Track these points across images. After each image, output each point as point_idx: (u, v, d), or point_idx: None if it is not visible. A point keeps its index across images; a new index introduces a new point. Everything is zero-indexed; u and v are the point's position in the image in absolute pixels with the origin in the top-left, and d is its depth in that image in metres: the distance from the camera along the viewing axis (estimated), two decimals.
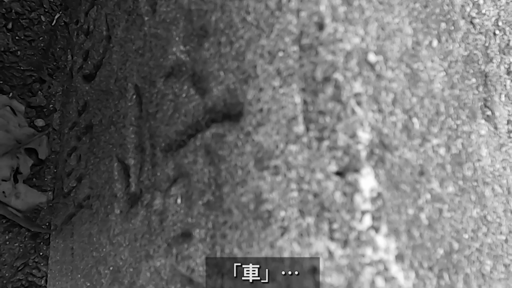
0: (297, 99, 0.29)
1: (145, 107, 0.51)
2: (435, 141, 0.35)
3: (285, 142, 0.29)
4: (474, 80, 0.46)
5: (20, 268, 0.84)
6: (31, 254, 0.85)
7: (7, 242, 0.83)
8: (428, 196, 0.33)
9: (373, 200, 0.27)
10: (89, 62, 0.73)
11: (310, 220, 0.28)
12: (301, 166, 0.28)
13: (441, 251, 0.33)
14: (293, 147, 0.29)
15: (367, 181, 0.27)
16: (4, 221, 0.82)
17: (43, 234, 0.86)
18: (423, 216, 0.31)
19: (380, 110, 0.29)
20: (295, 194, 0.28)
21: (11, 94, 0.85)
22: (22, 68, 0.87)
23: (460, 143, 0.39)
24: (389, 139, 0.30)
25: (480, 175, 0.42)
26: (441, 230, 0.33)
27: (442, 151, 0.36)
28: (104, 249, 0.58)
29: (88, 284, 0.62)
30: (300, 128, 0.29)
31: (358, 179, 0.27)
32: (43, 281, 0.85)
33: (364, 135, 0.28)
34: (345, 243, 0.27)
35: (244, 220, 0.32)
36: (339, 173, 0.27)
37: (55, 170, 0.87)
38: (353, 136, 0.27)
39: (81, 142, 0.73)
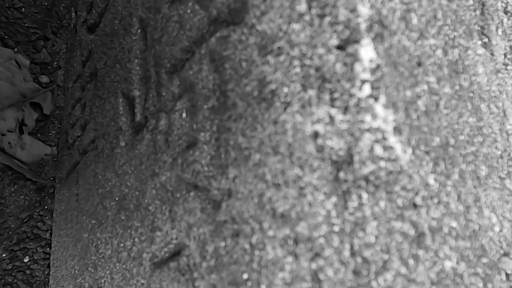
0: None
1: (149, 36, 0.52)
2: (432, 41, 0.36)
3: (288, 23, 0.30)
4: (471, 2, 0.47)
5: (25, 220, 0.85)
6: (36, 207, 0.86)
7: (13, 194, 0.84)
8: (425, 87, 0.34)
9: (372, 70, 0.28)
10: (94, 11, 0.74)
11: (312, 92, 0.29)
12: (303, 43, 0.30)
13: (437, 140, 0.34)
14: (295, 26, 0.30)
15: (367, 51, 0.28)
16: (9, 173, 0.84)
17: (47, 188, 0.87)
18: (420, 102, 0.33)
19: None
20: (297, 70, 0.30)
21: (16, 49, 0.86)
22: (26, 25, 0.89)
23: (457, 53, 0.41)
24: (388, 21, 0.31)
25: (477, 89, 0.43)
26: (438, 121, 0.35)
27: (439, 52, 0.37)
28: (109, 183, 0.59)
29: (94, 222, 0.63)
30: (302, 7, 0.30)
31: (358, 49, 0.28)
32: (47, 234, 0.86)
33: (364, 10, 0.29)
34: (345, 109, 0.28)
35: (248, 108, 0.33)
36: (340, 47, 0.29)
37: (59, 125, 0.89)
38: (354, 10, 0.29)
39: (86, 90, 0.74)
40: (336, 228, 0.28)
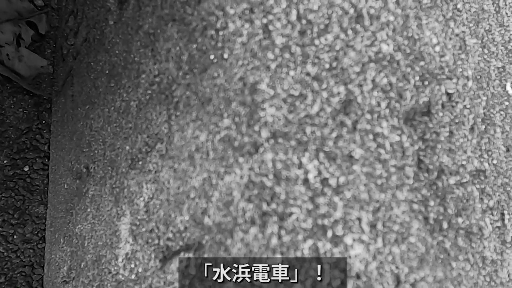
0: None
1: None
2: None
3: None
4: None
5: (24, 132, 0.91)
6: (34, 120, 0.92)
7: (12, 106, 0.90)
8: None
9: None
10: None
11: None
12: None
13: None
14: None
15: None
16: (8, 87, 0.89)
17: (45, 104, 0.93)
18: None
19: None
20: None
21: None
22: None
23: None
24: None
25: None
26: None
27: None
28: (101, 63, 0.65)
29: (87, 106, 0.69)
30: None
31: None
32: (46, 147, 0.92)
33: None
34: None
35: None
36: None
37: (54, 45, 0.94)
38: None
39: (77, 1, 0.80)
40: None
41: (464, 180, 0.41)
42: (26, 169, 0.90)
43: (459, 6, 0.52)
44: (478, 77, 0.52)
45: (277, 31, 0.33)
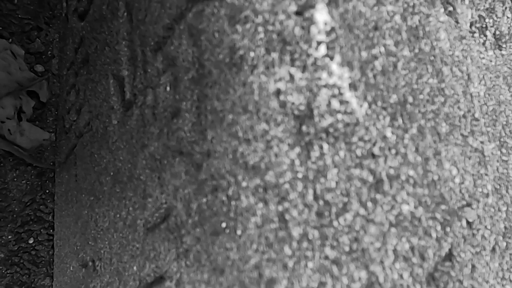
0: None
1: (135, 17, 0.55)
2: (390, 7, 0.39)
3: None
4: None
5: (28, 204, 0.89)
6: (38, 191, 0.90)
7: (15, 179, 0.88)
8: (382, 49, 0.37)
9: (327, 32, 0.32)
10: (83, 0, 0.77)
11: (274, 55, 0.32)
12: (266, 11, 0.33)
13: (394, 97, 0.38)
14: None
15: (321, 15, 0.31)
16: (11, 159, 0.88)
17: (48, 173, 0.91)
18: (376, 63, 0.36)
19: None
20: (261, 35, 0.33)
21: (10, 40, 0.90)
22: (19, 16, 0.92)
23: (417, 19, 0.44)
24: None
25: (438, 53, 0.47)
26: (395, 80, 0.38)
27: (397, 18, 0.40)
28: (104, 160, 0.63)
29: (92, 198, 0.67)
30: None
31: (314, 14, 0.31)
32: (50, 216, 0.90)
33: None
34: (304, 68, 0.31)
35: (221, 74, 0.37)
36: (298, 12, 0.32)
37: (56, 112, 0.92)
38: None
39: (79, 76, 0.78)
40: (300, 175, 0.32)
41: None
42: (31, 241, 0.88)
43: (476, 115, 0.50)
44: (498, 186, 0.50)
45: (294, 220, 0.31)
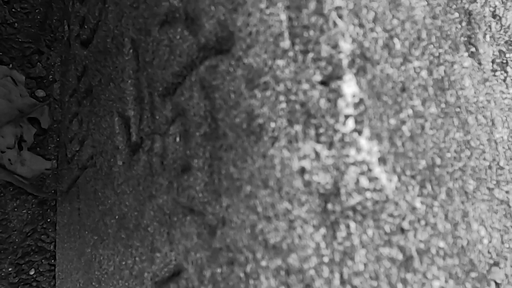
0: (283, 16, 0.31)
1: (142, 57, 0.53)
2: (416, 63, 0.37)
3: (273, 58, 0.31)
4: (457, 14, 0.47)
5: (29, 234, 0.86)
6: (39, 220, 0.87)
7: (15, 209, 0.85)
8: (410, 111, 0.35)
9: (356, 105, 0.29)
10: (86, 27, 0.74)
11: (298, 127, 0.30)
12: (288, 79, 0.30)
13: (423, 163, 0.35)
14: (280, 62, 0.31)
15: (349, 86, 0.29)
16: (11, 189, 0.85)
17: (49, 201, 0.88)
18: (405, 128, 0.34)
19: (361, 25, 0.31)
20: (283, 105, 0.30)
21: (11, 65, 0.87)
22: (20, 40, 0.89)
23: (443, 70, 0.41)
24: (370, 52, 0.32)
25: (463, 103, 0.44)
26: (423, 144, 0.35)
27: (424, 73, 0.38)
28: (109, 201, 0.60)
29: (96, 238, 0.65)
30: (286, 43, 0.31)
31: (341, 85, 0.29)
32: (52, 246, 0.88)
33: (346, 46, 0.29)
34: (330, 145, 0.29)
35: (238, 139, 0.34)
36: (323, 82, 0.29)
37: (57, 139, 0.90)
38: (335, 46, 0.29)
39: (82, 106, 0.75)
40: (326, 259, 0.29)
41: None
42: (31, 272, 0.86)
43: (501, 163, 0.47)
44: None
45: None
